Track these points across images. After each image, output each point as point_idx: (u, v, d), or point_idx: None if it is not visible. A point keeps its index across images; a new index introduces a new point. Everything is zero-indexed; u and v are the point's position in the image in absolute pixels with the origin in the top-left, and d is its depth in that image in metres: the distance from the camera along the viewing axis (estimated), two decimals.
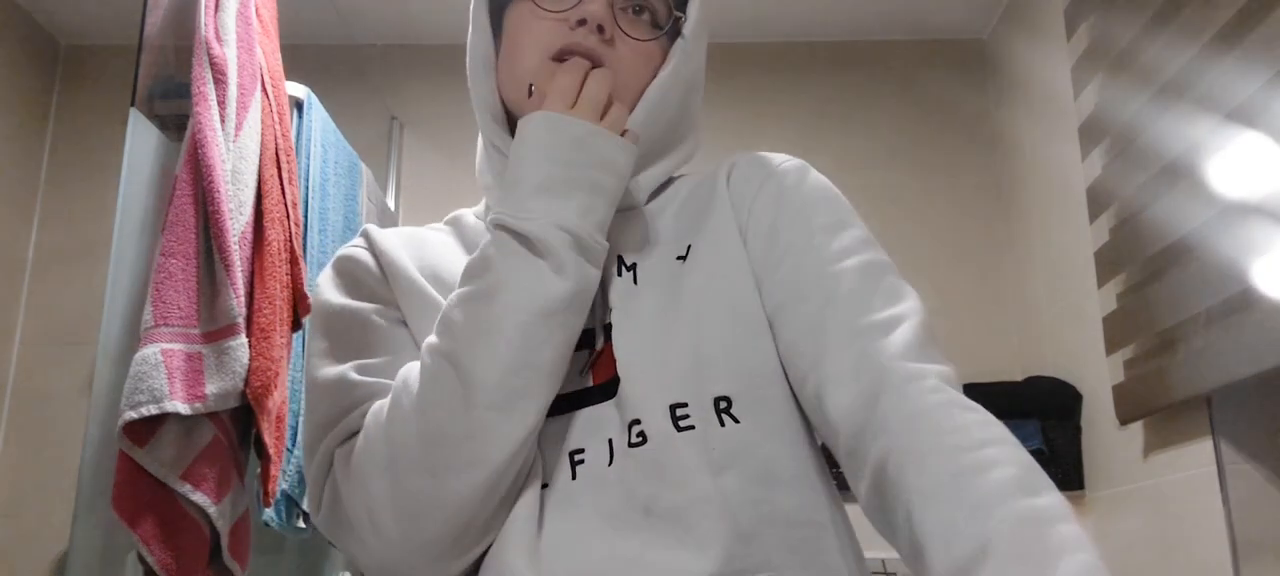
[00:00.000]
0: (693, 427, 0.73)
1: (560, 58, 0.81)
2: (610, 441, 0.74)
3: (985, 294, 2.49)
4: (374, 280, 0.82)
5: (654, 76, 0.85)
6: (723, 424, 0.73)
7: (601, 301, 0.79)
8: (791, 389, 0.77)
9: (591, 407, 0.76)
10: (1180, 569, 1.73)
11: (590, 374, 0.77)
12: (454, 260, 0.83)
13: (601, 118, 0.77)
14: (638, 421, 0.73)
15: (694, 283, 0.79)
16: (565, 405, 0.76)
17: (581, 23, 0.81)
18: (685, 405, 0.73)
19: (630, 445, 0.72)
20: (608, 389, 0.76)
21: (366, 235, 0.85)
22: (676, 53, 0.86)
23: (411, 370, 0.73)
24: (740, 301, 0.79)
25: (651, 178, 0.87)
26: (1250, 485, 1.58)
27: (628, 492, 0.71)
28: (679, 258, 0.81)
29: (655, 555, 0.69)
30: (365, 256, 0.83)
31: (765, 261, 0.80)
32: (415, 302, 0.80)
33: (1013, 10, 2.49)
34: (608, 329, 0.78)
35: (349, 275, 0.83)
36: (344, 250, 0.85)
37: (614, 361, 0.76)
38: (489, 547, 0.72)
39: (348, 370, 0.77)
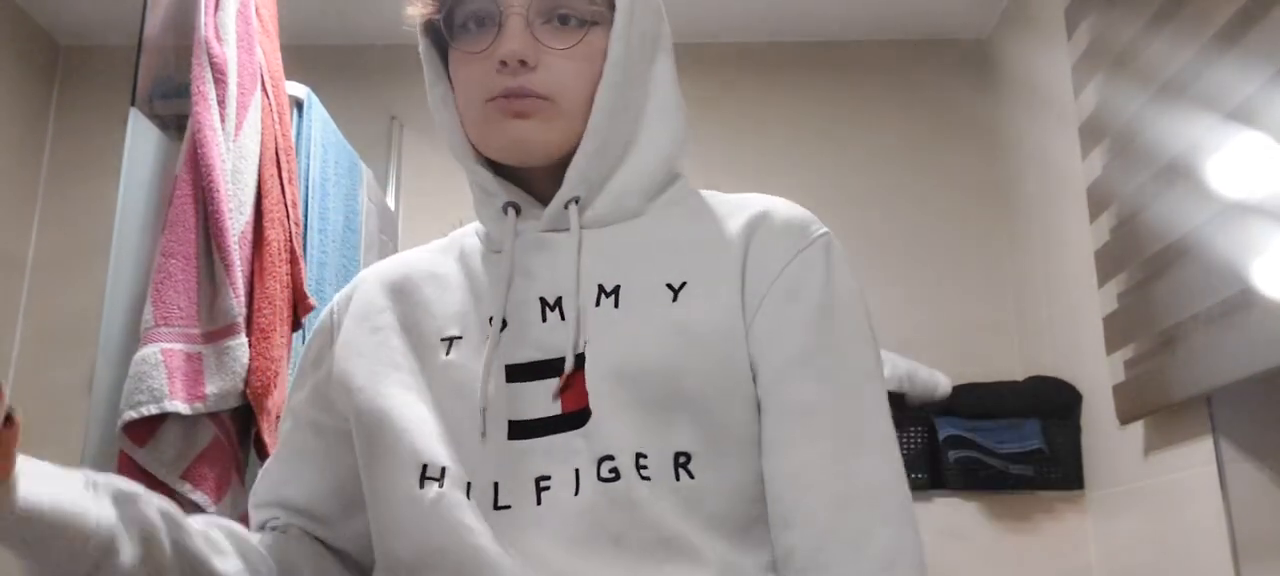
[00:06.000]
0: (650, 479, 0.73)
1: (494, 99, 0.79)
2: (577, 471, 0.74)
3: (986, 294, 2.49)
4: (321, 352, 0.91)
5: (590, 76, 0.81)
6: (678, 477, 0.74)
7: (574, 325, 0.78)
8: (749, 440, 0.78)
9: (558, 436, 0.75)
10: (1180, 569, 1.73)
11: (559, 400, 0.77)
12: (445, 301, 0.85)
13: None
14: (610, 458, 0.73)
15: (681, 321, 0.77)
16: (531, 430, 0.76)
17: (503, 64, 0.79)
18: (646, 455, 0.74)
19: (601, 479, 0.73)
20: (576, 419, 0.75)
21: (332, 305, 0.92)
22: (615, 41, 0.81)
23: None
24: (726, 359, 0.77)
25: (639, 180, 0.84)
26: (1250, 485, 1.58)
27: (596, 522, 0.72)
28: (669, 285, 0.79)
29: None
30: (325, 325, 0.92)
31: (758, 313, 0.79)
32: (362, 361, 0.86)
33: (1013, 10, 2.48)
34: (580, 358, 0.77)
35: (314, 337, 0.93)
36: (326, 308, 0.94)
37: (585, 392, 0.76)
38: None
39: (263, 490, 0.92)
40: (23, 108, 2.52)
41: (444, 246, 0.92)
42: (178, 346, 1.40)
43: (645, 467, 0.74)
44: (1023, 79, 2.44)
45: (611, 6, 0.82)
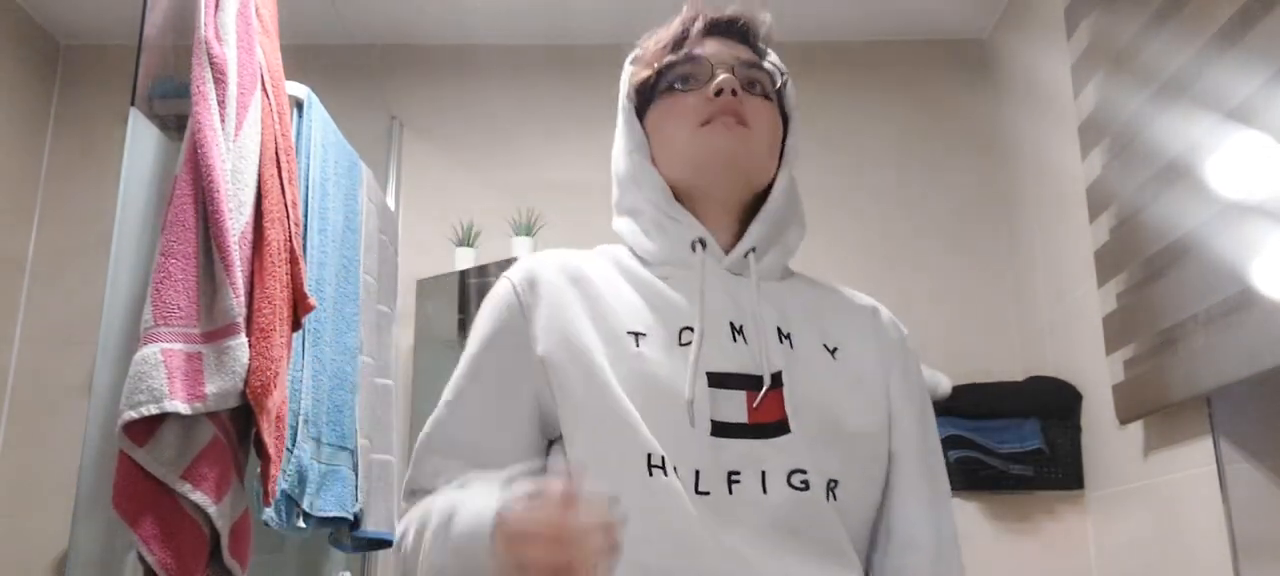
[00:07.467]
0: (807, 489, 0.90)
1: (707, 122, 0.97)
2: (764, 473, 0.89)
3: (985, 294, 2.49)
4: (519, 324, 0.96)
5: (774, 135, 1.02)
6: (829, 499, 0.91)
7: (763, 351, 0.93)
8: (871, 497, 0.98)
9: (749, 441, 0.90)
10: (1180, 568, 1.73)
11: (749, 411, 0.91)
12: (623, 299, 0.96)
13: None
14: (801, 471, 0.90)
15: (843, 377, 0.97)
16: (731, 431, 0.90)
17: (719, 92, 0.97)
18: (820, 473, 0.91)
19: (791, 486, 0.89)
20: (768, 429, 0.91)
21: (512, 282, 0.97)
22: (791, 140, 1.04)
23: (428, 519, 0.88)
24: (875, 414, 0.97)
25: (786, 255, 1.03)
26: (1250, 485, 1.58)
27: (783, 519, 0.89)
28: (826, 347, 0.98)
29: (809, 568, 0.88)
30: (511, 300, 0.97)
31: (889, 380, 1.01)
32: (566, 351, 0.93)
33: (1013, 10, 2.49)
34: (775, 377, 0.92)
35: (498, 310, 0.98)
36: (501, 279, 0.99)
37: (781, 409, 0.92)
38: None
39: (453, 436, 0.96)
40: (23, 107, 2.53)
41: (591, 256, 1.02)
42: (177, 346, 1.39)
43: (819, 482, 0.91)
44: (1022, 79, 2.44)
45: (784, 113, 1.05)
